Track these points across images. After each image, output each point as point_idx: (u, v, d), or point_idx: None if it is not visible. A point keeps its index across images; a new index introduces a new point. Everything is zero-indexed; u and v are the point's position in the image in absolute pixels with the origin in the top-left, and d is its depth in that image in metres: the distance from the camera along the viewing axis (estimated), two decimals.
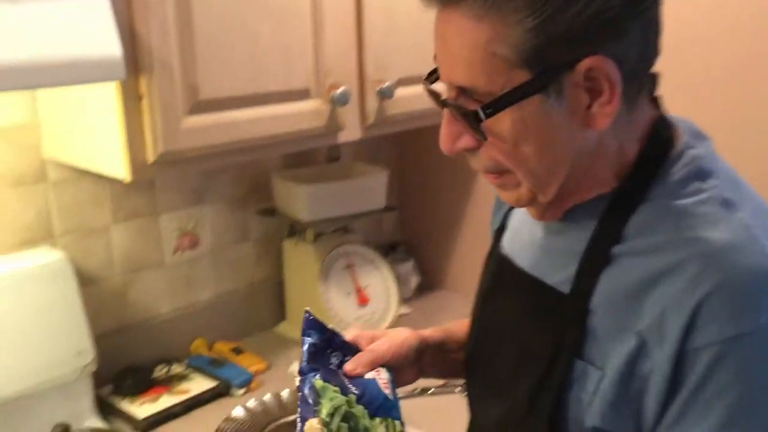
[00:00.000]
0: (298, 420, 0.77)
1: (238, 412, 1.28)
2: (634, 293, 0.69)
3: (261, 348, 1.60)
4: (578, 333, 0.72)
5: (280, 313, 1.72)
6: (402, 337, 0.89)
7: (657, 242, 0.70)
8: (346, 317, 1.59)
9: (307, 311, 0.86)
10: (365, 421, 0.78)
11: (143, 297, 1.52)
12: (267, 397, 1.33)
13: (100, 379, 1.39)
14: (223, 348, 1.58)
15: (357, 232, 1.69)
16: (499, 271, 0.87)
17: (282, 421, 1.28)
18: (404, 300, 1.75)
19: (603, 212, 0.74)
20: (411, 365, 0.91)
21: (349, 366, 0.84)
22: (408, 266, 1.87)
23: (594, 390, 0.71)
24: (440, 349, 0.94)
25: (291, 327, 1.69)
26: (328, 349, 0.85)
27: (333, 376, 0.82)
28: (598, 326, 0.72)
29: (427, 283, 1.94)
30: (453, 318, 1.79)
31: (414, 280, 1.88)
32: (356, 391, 0.80)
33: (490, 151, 0.72)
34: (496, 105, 0.68)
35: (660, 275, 0.68)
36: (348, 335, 0.87)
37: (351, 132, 1.41)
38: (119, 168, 1.13)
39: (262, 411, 1.30)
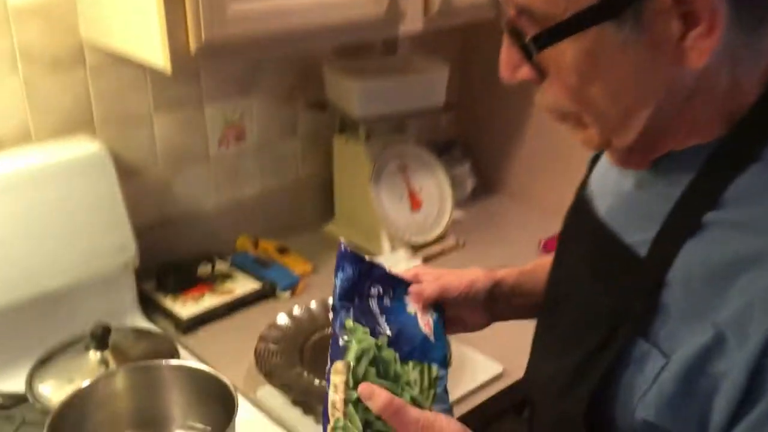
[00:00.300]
0: (329, 358, 0.73)
1: (282, 319, 1.23)
2: (719, 274, 0.57)
3: (307, 249, 1.54)
4: (647, 307, 0.61)
5: (328, 212, 1.65)
6: (472, 275, 0.81)
7: (761, 216, 0.56)
8: (397, 222, 1.51)
9: (341, 242, 0.80)
10: (395, 367, 0.72)
11: (187, 190, 1.46)
12: (312, 304, 1.27)
13: (143, 274, 1.34)
14: (268, 246, 1.52)
15: (412, 131, 1.58)
16: (577, 211, 0.76)
17: (328, 330, 1.22)
18: (458, 204, 1.65)
19: (701, 167, 0.60)
20: (480, 308, 0.83)
21: (415, 289, 0.78)
22: (464, 168, 1.77)
23: (653, 378, 0.60)
24: (514, 292, 0.85)
25: (339, 227, 1.62)
26: (367, 282, 0.78)
27: (366, 313, 0.76)
28: (671, 304, 0.60)
29: (483, 186, 1.83)
30: (507, 225, 1.71)
31: (469, 183, 1.78)
32: (389, 332, 0.74)
33: (553, 88, 0.60)
34: (552, 34, 0.55)
35: (755, 259, 0.55)
36: (408, 273, 0.80)
37: (411, 22, 1.27)
38: (159, 57, 1.03)
39: (308, 318, 1.25)
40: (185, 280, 1.37)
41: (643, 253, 0.63)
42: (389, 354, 0.72)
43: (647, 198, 0.65)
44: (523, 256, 1.50)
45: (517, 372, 1.15)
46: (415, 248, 1.51)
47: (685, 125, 0.60)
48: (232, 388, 0.91)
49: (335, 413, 0.71)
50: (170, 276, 1.36)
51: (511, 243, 1.59)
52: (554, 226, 1.58)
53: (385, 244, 1.48)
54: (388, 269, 0.81)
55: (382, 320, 0.75)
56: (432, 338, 0.76)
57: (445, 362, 0.76)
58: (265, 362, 1.12)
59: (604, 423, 0.66)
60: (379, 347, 0.72)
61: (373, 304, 0.77)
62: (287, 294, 1.39)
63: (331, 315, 0.77)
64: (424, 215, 1.54)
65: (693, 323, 0.58)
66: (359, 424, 0.70)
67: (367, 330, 0.73)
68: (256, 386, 1.12)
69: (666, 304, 0.60)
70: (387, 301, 0.78)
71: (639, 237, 0.64)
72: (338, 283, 0.77)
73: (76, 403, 0.86)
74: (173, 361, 0.95)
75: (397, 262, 1.44)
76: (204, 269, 1.42)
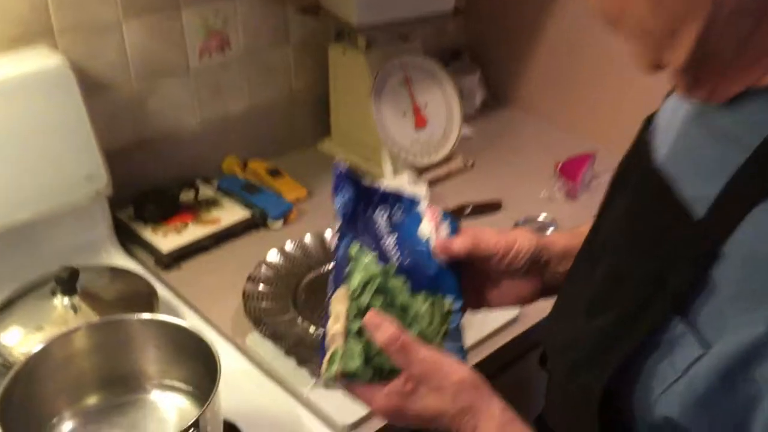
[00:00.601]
0: (331, 282, 0.67)
1: (272, 256, 1.10)
2: None
3: (301, 170, 1.40)
4: (691, 280, 0.49)
5: (323, 128, 1.50)
6: (516, 235, 0.72)
7: None
8: (400, 141, 1.36)
9: (337, 163, 0.71)
10: (403, 297, 0.66)
11: (165, 108, 1.30)
12: (307, 237, 1.15)
13: (119, 202, 1.21)
14: (258, 167, 1.38)
15: (416, 40, 1.41)
16: (634, 150, 0.62)
17: (324, 268, 1.10)
18: (466, 119, 1.50)
19: None
20: (527, 276, 0.73)
21: (442, 245, 0.69)
22: (473, 79, 1.61)
23: (684, 369, 0.50)
24: (565, 257, 0.73)
25: (335, 145, 1.48)
26: (370, 204, 0.72)
27: (374, 237, 0.69)
28: (722, 282, 0.49)
29: (494, 99, 1.68)
30: (520, 144, 1.56)
31: (478, 96, 1.63)
32: (399, 258, 0.68)
33: None
34: None
35: None
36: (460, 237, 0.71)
37: None
38: None
39: (302, 255, 1.12)
40: (166, 208, 1.24)
41: (700, 213, 0.51)
42: (398, 283, 0.66)
43: (718, 145, 0.52)
44: (537, 180, 1.37)
45: (533, 315, 1.05)
46: (420, 170, 1.38)
47: (763, 55, 0.48)
48: (213, 349, 0.79)
49: (334, 344, 0.64)
50: (149, 204, 1.23)
51: (525, 164, 1.45)
52: (573, 146, 1.46)
53: (387, 166, 1.34)
54: (390, 189, 0.73)
55: (391, 243, 0.69)
56: (445, 265, 0.69)
57: (459, 294, 0.69)
58: (254, 307, 1.01)
59: (618, 411, 0.55)
60: (386, 274, 0.66)
61: (381, 225, 0.71)
62: (279, 223, 1.26)
63: (335, 239, 0.69)
64: (429, 133, 1.40)
65: (744, 311, 0.47)
66: (359, 358, 0.63)
67: (374, 255, 0.67)
68: (246, 331, 1.01)
69: (716, 280, 0.49)
70: (398, 218, 0.72)
71: (699, 192, 0.51)
72: (339, 206, 0.70)
73: (28, 371, 0.74)
74: (146, 315, 0.83)
75: (399, 186, 1.31)
76: (187, 195, 1.28)
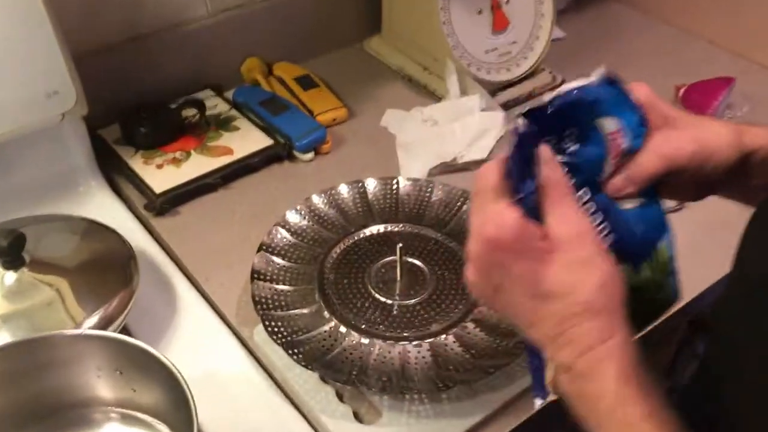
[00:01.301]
0: None
1: (292, 216, 0.82)
2: None
3: (341, 78, 1.09)
4: None
5: (371, 23, 1.17)
6: (710, 141, 0.50)
7: None
8: (472, 49, 1.03)
9: (520, 119, 0.46)
10: (630, 281, 0.48)
11: None
12: (343, 189, 0.85)
13: (103, 117, 0.94)
14: (285, 74, 1.08)
15: None
16: None
17: (362, 234, 0.81)
18: (558, 15, 1.15)
19: None
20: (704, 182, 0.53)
21: (619, 184, 0.49)
22: None
23: None
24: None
25: (386, 44, 1.16)
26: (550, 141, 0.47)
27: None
28: None
29: None
30: (627, 52, 1.20)
31: None
32: (608, 236, 0.49)
33: None
34: None
35: None
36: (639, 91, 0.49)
37: None
38: None
39: (335, 214, 0.83)
40: (163, 131, 0.96)
41: None
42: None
43: None
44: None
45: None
46: (495, 89, 1.05)
47: None
48: (183, 382, 0.53)
49: None
50: (140, 124, 0.94)
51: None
52: (700, 60, 1.11)
53: (453, 82, 1.02)
54: (557, 104, 0.47)
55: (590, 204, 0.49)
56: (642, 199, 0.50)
57: (667, 225, 0.52)
58: (264, 293, 0.73)
59: None
60: None
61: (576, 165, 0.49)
62: (309, 156, 0.97)
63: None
64: (510, 39, 1.06)
65: None
66: None
67: None
68: (255, 320, 0.75)
69: None
70: (573, 155, 0.48)
71: None
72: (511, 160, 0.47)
73: None
74: (89, 331, 0.58)
75: (466, 110, 1.00)
76: (191, 112, 0.99)
